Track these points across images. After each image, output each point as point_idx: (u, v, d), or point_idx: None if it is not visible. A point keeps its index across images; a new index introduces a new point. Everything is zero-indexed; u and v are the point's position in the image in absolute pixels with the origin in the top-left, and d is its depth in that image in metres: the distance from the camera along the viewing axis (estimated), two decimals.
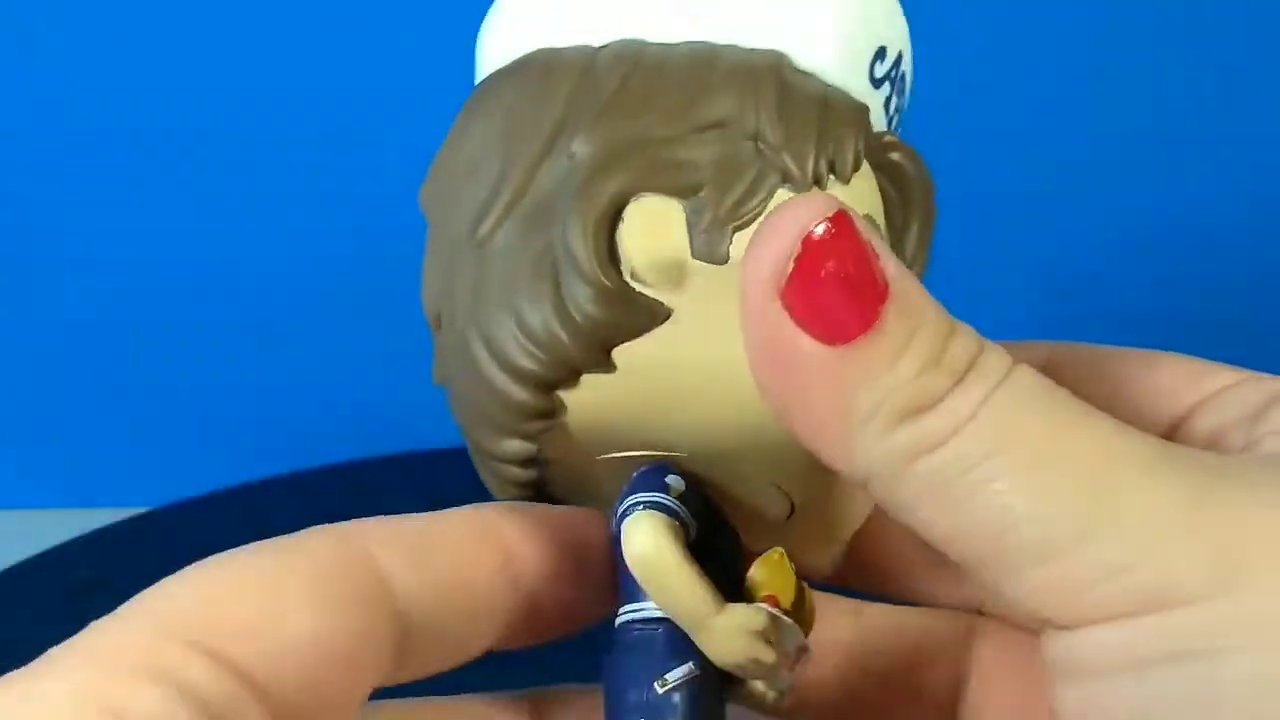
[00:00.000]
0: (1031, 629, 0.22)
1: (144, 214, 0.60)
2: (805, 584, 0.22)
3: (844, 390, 0.19)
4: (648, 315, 0.22)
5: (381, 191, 0.59)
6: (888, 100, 0.24)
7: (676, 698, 0.21)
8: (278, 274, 0.61)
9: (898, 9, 0.24)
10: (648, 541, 0.21)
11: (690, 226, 0.22)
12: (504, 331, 0.22)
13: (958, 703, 0.26)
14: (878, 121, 0.24)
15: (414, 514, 0.21)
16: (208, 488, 0.54)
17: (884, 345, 0.19)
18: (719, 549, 0.22)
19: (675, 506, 0.21)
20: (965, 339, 0.20)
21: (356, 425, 0.61)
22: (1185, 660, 0.18)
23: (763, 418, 0.21)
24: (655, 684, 0.21)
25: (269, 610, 0.19)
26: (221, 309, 0.61)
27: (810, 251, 0.19)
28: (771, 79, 0.22)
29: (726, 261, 0.22)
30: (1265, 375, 0.24)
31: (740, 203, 0.22)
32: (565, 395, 0.22)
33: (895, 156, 0.24)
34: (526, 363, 0.22)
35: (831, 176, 0.22)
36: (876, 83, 0.24)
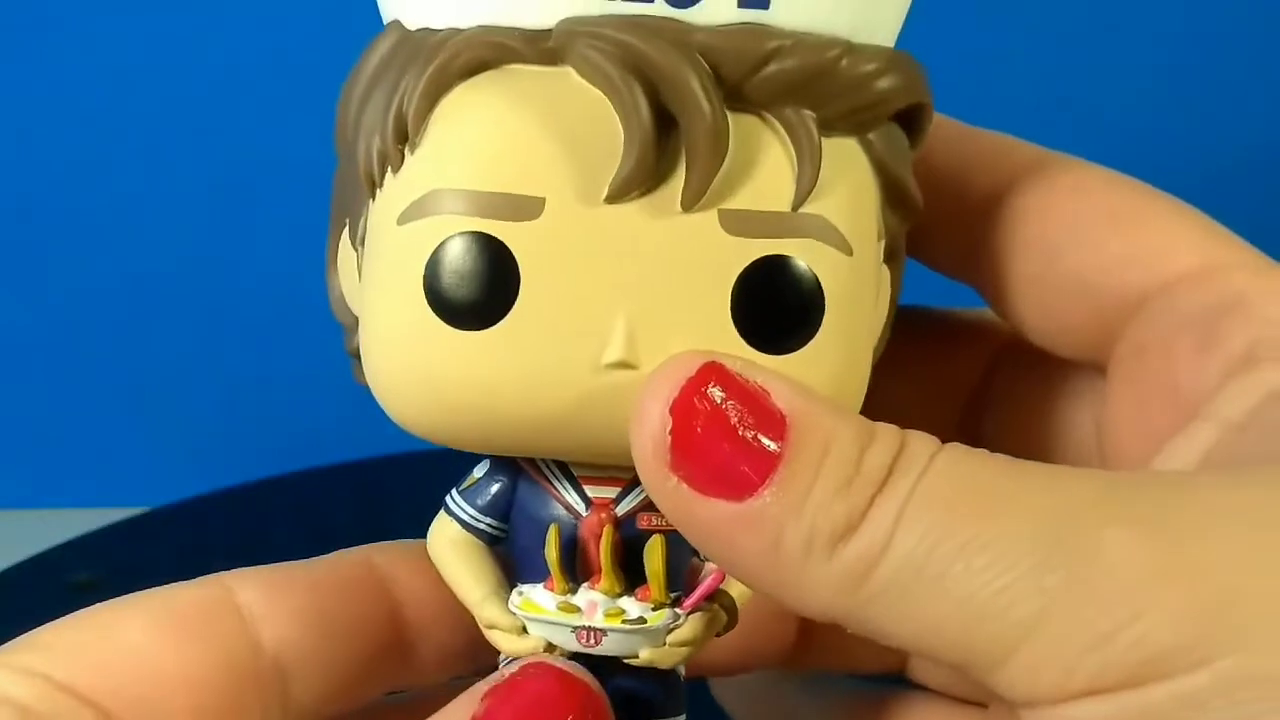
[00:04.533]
0: None
1: (144, 212, 0.60)
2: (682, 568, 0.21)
3: (770, 539, 0.18)
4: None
5: None
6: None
7: (507, 672, 0.21)
8: (278, 273, 0.61)
9: None
10: (429, 543, 0.22)
11: None
12: None
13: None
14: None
15: (299, 560, 0.22)
16: (208, 488, 0.54)
17: (795, 480, 0.18)
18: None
19: (453, 503, 0.22)
20: (883, 442, 0.18)
21: (356, 425, 0.61)
22: None
23: None
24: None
25: (103, 635, 0.20)
26: (222, 309, 0.61)
27: (681, 419, 0.18)
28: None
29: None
30: (1246, 260, 0.21)
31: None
32: None
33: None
34: None
35: (405, 148, 0.20)
36: None
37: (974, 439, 0.19)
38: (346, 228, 0.22)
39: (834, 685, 0.27)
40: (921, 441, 0.19)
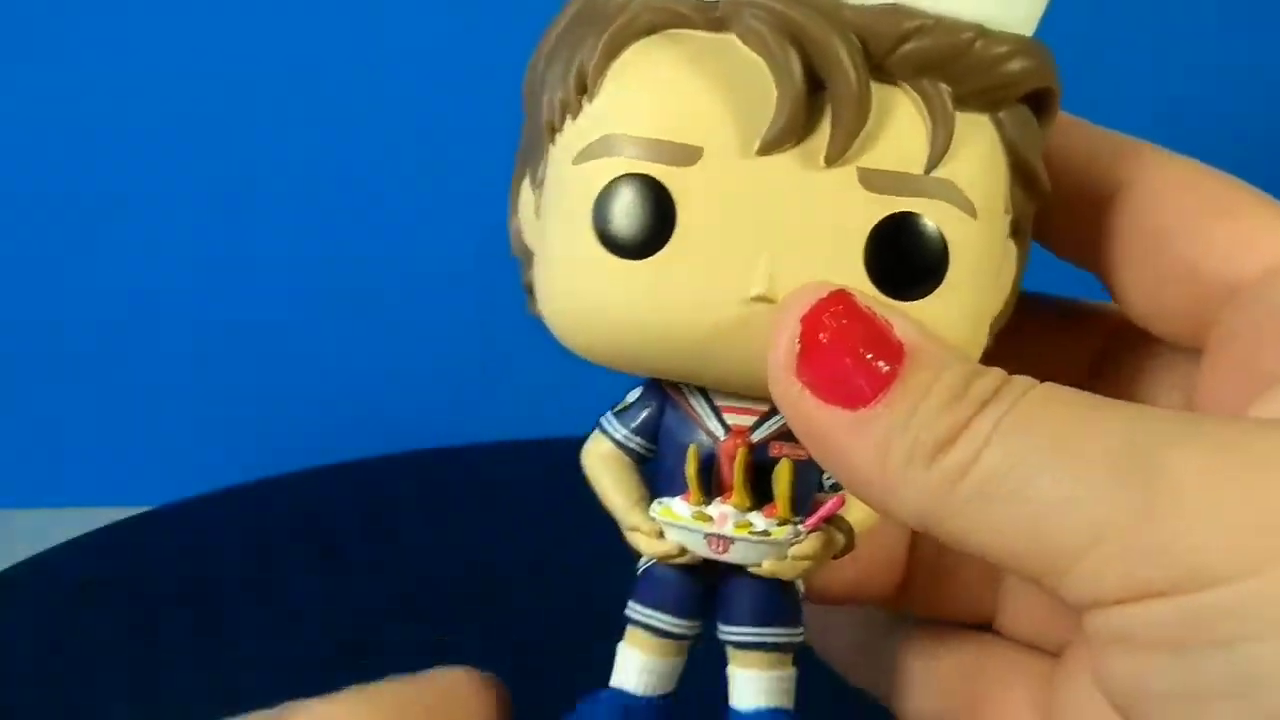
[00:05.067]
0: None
1: (145, 213, 0.60)
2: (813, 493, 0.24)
3: (878, 446, 0.20)
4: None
5: (384, 191, 0.59)
6: None
7: (645, 576, 0.24)
8: (278, 274, 0.61)
9: None
10: (583, 458, 0.24)
11: None
12: None
13: None
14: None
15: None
16: (208, 488, 0.54)
17: (906, 397, 0.20)
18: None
19: (607, 423, 0.24)
20: (990, 377, 0.20)
21: (357, 425, 0.61)
22: (1216, 648, 0.18)
23: None
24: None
25: None
26: (222, 309, 0.61)
27: (810, 331, 0.21)
28: None
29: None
30: None
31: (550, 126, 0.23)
32: None
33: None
34: None
35: (584, 98, 0.22)
36: None
37: None
38: (528, 176, 0.24)
39: (915, 622, 0.29)
40: (1024, 378, 0.21)
